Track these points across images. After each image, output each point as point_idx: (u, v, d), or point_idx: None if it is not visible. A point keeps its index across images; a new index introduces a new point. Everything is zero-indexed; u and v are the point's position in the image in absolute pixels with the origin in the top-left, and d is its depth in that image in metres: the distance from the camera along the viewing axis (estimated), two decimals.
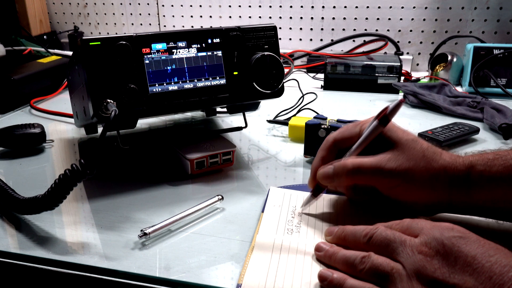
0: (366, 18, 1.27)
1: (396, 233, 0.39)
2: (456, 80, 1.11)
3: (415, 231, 0.39)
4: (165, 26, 1.45)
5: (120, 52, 0.55)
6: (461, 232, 0.36)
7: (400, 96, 1.02)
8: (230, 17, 1.38)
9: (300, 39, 1.35)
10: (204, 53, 0.60)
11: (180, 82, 0.59)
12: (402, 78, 1.09)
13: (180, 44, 0.59)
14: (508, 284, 0.32)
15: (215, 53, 0.61)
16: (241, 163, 0.67)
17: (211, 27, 0.73)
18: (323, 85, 1.10)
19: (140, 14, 1.46)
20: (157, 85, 0.57)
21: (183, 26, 1.43)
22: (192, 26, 1.42)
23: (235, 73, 0.62)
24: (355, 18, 1.28)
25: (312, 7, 1.30)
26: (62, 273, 0.43)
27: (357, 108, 0.95)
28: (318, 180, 0.50)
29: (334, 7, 1.28)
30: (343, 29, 1.30)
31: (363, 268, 0.38)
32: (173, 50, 0.58)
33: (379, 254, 0.39)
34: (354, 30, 1.29)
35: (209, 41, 0.60)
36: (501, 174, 0.43)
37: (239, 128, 0.73)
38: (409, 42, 1.27)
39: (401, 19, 1.25)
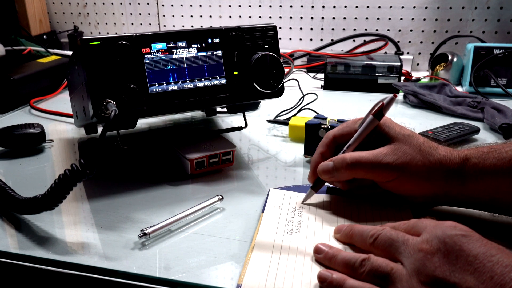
0: (366, 18, 1.27)
1: (400, 233, 0.39)
2: (456, 80, 1.11)
3: (419, 230, 0.39)
4: (165, 26, 1.44)
5: (120, 52, 0.55)
6: (464, 230, 0.36)
7: (400, 95, 1.02)
8: (230, 17, 1.37)
9: (300, 39, 1.34)
10: (204, 53, 0.60)
11: (180, 82, 0.59)
12: (403, 78, 1.09)
13: (180, 44, 0.59)
14: (510, 285, 0.32)
15: (215, 53, 0.61)
16: (241, 163, 0.67)
17: (211, 27, 0.73)
18: (323, 85, 1.10)
19: (140, 14, 1.45)
20: (157, 85, 0.57)
21: (183, 26, 1.42)
22: (192, 26, 1.42)
23: (235, 73, 0.62)
24: (355, 18, 1.28)
25: (312, 6, 1.30)
26: (62, 273, 0.43)
27: (357, 108, 0.95)
28: (318, 174, 0.51)
29: (334, 6, 1.28)
30: (343, 29, 1.30)
31: (363, 271, 0.38)
32: (173, 50, 0.58)
33: (383, 254, 0.39)
34: (354, 30, 1.29)
35: (209, 41, 0.60)
36: (495, 166, 0.45)
37: (239, 128, 0.72)
38: (410, 42, 1.27)
39: (401, 18, 1.25)
